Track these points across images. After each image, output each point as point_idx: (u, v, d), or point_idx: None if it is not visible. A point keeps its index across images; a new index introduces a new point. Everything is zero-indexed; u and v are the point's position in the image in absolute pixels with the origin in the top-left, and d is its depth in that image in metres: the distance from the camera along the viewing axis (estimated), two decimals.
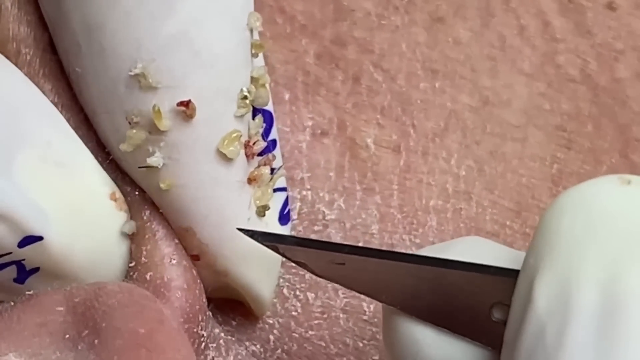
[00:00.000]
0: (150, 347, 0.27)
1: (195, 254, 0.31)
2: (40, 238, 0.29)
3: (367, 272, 0.28)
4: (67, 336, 0.28)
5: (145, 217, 0.32)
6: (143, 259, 0.31)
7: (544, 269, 0.25)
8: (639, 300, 0.23)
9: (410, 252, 0.29)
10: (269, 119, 0.33)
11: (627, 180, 0.25)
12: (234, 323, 0.34)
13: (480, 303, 0.27)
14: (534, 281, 0.25)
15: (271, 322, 0.34)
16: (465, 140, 0.37)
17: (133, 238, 0.32)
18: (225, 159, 0.31)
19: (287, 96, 0.36)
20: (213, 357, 0.33)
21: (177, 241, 0.31)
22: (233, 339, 0.34)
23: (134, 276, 0.31)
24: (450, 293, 0.28)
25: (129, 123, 0.30)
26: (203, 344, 0.32)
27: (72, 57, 0.31)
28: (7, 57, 0.31)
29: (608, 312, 0.23)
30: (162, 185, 0.30)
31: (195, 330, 0.31)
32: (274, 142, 0.33)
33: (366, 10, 0.38)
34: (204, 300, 0.32)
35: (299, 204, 0.35)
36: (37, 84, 0.31)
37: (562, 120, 0.38)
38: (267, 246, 0.29)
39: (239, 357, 0.33)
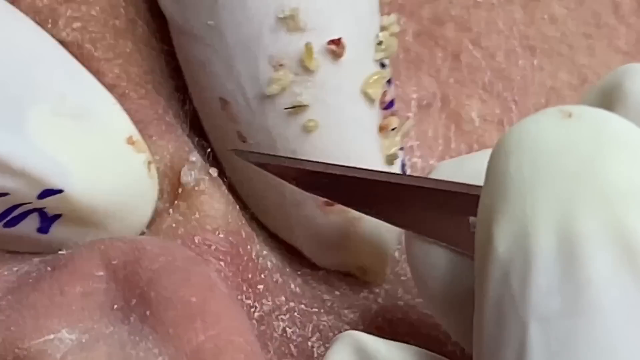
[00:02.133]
0: (204, 317, 0.26)
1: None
2: (60, 191, 0.28)
3: (351, 189, 0.30)
4: (115, 306, 0.27)
5: (199, 178, 0.32)
6: (194, 220, 0.31)
7: (500, 213, 0.24)
8: (594, 242, 0.23)
9: None
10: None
11: (567, 113, 0.24)
12: (337, 293, 0.34)
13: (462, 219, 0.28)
14: (492, 225, 0.24)
15: (377, 291, 0.34)
16: None
17: (182, 195, 0.32)
18: (369, 99, 0.31)
19: None
20: (284, 327, 0.32)
21: (229, 208, 0.31)
22: (318, 310, 0.33)
23: (179, 232, 0.31)
24: (434, 209, 0.29)
25: (273, 67, 0.31)
26: (255, 312, 0.31)
27: (204, 12, 0.31)
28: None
29: (568, 256, 0.23)
30: (309, 125, 0.31)
31: (238, 297, 0.31)
32: (392, 101, 0.33)
33: None
34: (250, 275, 0.31)
35: (409, 170, 0.35)
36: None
37: None
38: (258, 165, 0.31)
39: (319, 328, 0.33)
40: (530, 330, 0.23)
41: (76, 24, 0.32)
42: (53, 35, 0.31)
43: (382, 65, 0.32)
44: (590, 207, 0.23)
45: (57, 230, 0.30)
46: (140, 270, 0.27)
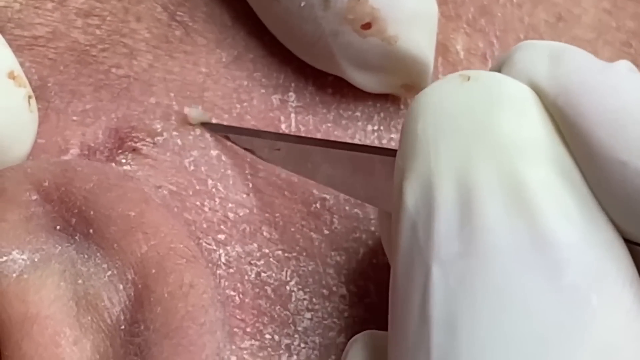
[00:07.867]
0: (144, 229, 0.28)
1: (367, 22, 0.34)
2: None
3: (300, 157, 0.32)
4: (57, 227, 0.29)
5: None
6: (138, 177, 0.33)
7: (409, 171, 0.27)
8: (488, 189, 0.25)
9: None
10: None
11: (466, 77, 0.27)
12: (326, 232, 0.35)
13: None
14: (403, 183, 0.27)
15: (373, 230, 0.36)
16: None
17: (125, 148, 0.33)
18: None
19: None
20: (259, 272, 0.34)
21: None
22: (297, 255, 0.34)
23: None
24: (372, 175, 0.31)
25: None
26: (221, 257, 0.33)
27: None
28: None
29: (465, 204, 0.25)
30: None
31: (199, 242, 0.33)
32: None
33: None
34: (206, 225, 0.33)
35: None
36: None
37: (627, 37, 0.40)
38: (220, 135, 0.33)
39: (298, 272, 0.34)
40: (432, 273, 0.25)
41: None
42: None
43: None
44: (484, 158, 0.26)
45: None
46: (75, 189, 0.29)
